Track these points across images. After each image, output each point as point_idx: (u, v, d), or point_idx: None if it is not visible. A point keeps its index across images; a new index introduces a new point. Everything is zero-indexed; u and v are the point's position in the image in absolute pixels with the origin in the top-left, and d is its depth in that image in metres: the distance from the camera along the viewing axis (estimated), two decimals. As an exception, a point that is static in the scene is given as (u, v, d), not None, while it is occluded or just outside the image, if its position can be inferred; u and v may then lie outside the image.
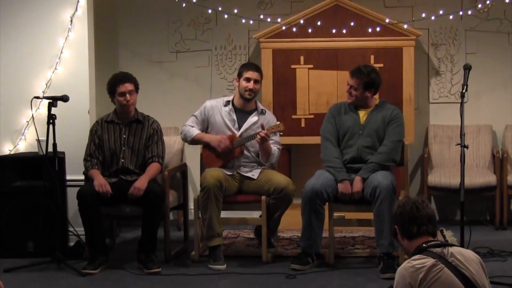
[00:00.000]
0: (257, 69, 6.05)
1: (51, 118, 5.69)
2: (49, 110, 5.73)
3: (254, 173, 5.97)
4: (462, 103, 5.30)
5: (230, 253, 6.10)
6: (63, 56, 6.46)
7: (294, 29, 6.93)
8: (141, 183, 5.73)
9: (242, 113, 6.05)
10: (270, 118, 6.07)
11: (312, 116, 6.94)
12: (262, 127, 5.82)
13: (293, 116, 7.00)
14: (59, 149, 5.79)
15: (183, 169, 6.50)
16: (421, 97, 7.35)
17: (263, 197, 5.84)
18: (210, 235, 5.78)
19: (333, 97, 6.87)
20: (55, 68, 6.46)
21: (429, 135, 7.31)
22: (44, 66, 6.48)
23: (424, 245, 3.30)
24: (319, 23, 6.86)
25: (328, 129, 5.92)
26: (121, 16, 7.54)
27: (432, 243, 3.31)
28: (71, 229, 6.21)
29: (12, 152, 6.50)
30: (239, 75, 6.02)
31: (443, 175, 6.91)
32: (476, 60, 7.13)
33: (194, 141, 6.09)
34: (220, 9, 7.01)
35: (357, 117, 5.88)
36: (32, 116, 6.31)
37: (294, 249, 6.18)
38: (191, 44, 7.52)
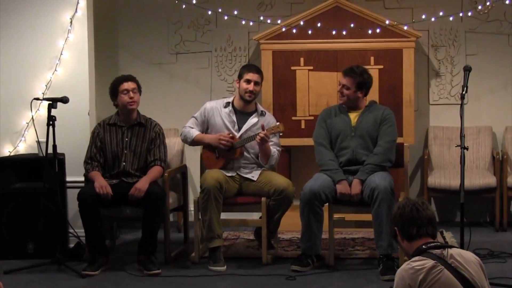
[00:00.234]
0: (258, 70, 6.05)
1: (51, 120, 5.70)
2: (49, 111, 5.73)
3: (254, 175, 5.97)
4: (462, 105, 5.30)
5: (230, 255, 6.10)
6: (63, 58, 6.46)
7: (294, 31, 6.93)
8: (142, 184, 5.74)
9: (242, 114, 6.06)
10: (270, 120, 6.07)
11: (312, 118, 6.94)
12: (263, 127, 5.82)
13: (293, 118, 7.00)
14: (59, 150, 5.79)
15: (183, 170, 6.51)
16: (421, 99, 7.35)
17: (263, 199, 5.84)
18: (210, 237, 5.78)
19: (333, 99, 6.87)
20: (55, 70, 6.46)
21: (429, 137, 7.31)
22: (44, 68, 6.48)
23: (423, 246, 3.30)
24: (319, 24, 6.86)
25: (320, 134, 5.93)
26: (121, 17, 7.54)
27: (431, 244, 3.31)
28: (71, 230, 6.21)
29: (12, 154, 6.49)
30: (240, 76, 6.03)
31: (443, 177, 6.91)
32: (476, 61, 7.13)
33: (194, 142, 6.09)
34: (220, 10, 7.02)
35: (348, 119, 5.89)
36: (32, 117, 6.32)
37: (294, 251, 6.18)
38: (191, 45, 7.52)
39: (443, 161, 7.23)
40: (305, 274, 5.57)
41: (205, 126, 6.10)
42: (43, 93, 6.42)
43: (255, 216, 6.35)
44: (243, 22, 7.02)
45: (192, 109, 6.40)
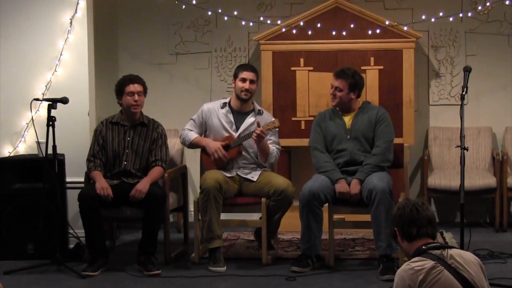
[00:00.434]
0: (253, 69, 6.05)
1: (50, 120, 5.70)
2: (49, 112, 5.73)
3: (254, 175, 5.97)
4: (462, 105, 5.30)
5: (230, 255, 6.10)
6: (63, 58, 6.46)
7: (294, 31, 6.93)
8: (143, 185, 5.73)
9: (239, 114, 6.06)
10: (267, 118, 6.07)
11: (312, 118, 6.90)
12: (258, 124, 5.82)
13: (293, 118, 7.00)
14: (58, 151, 5.79)
15: (183, 171, 6.51)
16: (421, 99, 7.35)
17: (263, 199, 5.84)
18: (210, 237, 5.78)
19: (333, 99, 6.87)
20: (55, 70, 6.46)
21: (429, 137, 7.31)
22: (43, 68, 6.47)
23: (423, 247, 3.30)
24: (319, 25, 6.86)
25: (315, 139, 5.94)
26: (121, 18, 7.54)
27: (431, 245, 3.31)
28: (71, 231, 6.21)
29: (12, 154, 6.49)
30: (235, 76, 6.04)
31: (443, 177, 6.91)
32: (476, 62, 7.13)
33: (192, 145, 6.11)
34: (220, 11, 7.01)
35: (342, 122, 5.89)
36: (32, 118, 6.32)
37: (294, 251, 6.18)
38: (191, 46, 7.52)
39: (443, 161, 7.23)
40: (305, 275, 5.57)
41: (204, 128, 6.10)
42: (43, 94, 6.42)
43: (255, 216, 6.35)
44: (243, 23, 7.02)
45: (192, 109, 6.40)
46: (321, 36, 6.92)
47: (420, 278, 3.16)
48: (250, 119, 6.04)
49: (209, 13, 7.06)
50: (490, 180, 6.86)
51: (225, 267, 5.74)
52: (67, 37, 6.45)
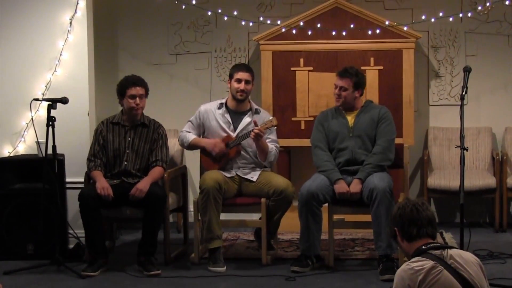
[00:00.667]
0: (248, 69, 6.05)
1: (50, 120, 5.70)
2: (49, 112, 5.73)
3: (254, 175, 5.97)
4: (462, 105, 5.31)
5: (230, 255, 6.10)
6: (63, 58, 6.46)
7: (294, 31, 6.93)
8: (143, 184, 5.73)
9: (236, 114, 6.06)
10: (265, 117, 6.07)
11: (311, 118, 6.93)
12: (255, 123, 5.82)
13: (293, 118, 7.00)
14: (58, 151, 5.79)
15: (182, 171, 6.51)
16: (421, 100, 7.35)
17: (263, 199, 5.85)
18: (209, 238, 5.79)
19: (332, 100, 6.79)
20: (55, 70, 6.46)
21: (429, 138, 7.31)
22: (43, 68, 6.47)
23: (423, 247, 3.30)
24: (318, 25, 6.86)
25: (317, 137, 5.94)
26: (120, 18, 7.54)
27: (431, 245, 3.31)
28: (70, 231, 6.21)
29: (11, 154, 6.49)
30: (230, 76, 6.04)
31: (443, 178, 6.91)
32: (476, 62, 7.13)
33: (190, 146, 6.11)
34: (219, 11, 7.01)
35: (345, 121, 5.90)
36: (32, 118, 6.32)
37: (294, 251, 6.18)
38: (191, 46, 7.52)
39: (443, 162, 7.23)
40: (305, 275, 5.57)
41: (201, 129, 6.11)
42: (43, 94, 6.42)
43: (254, 216, 6.35)
44: (243, 23, 7.02)
45: (192, 109, 6.40)
46: (321, 36, 6.92)
47: (420, 278, 3.16)
48: (247, 119, 6.04)
49: (209, 13, 7.06)
50: (490, 181, 6.86)
51: (224, 267, 5.74)
52: (67, 37, 6.45)
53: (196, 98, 7.33)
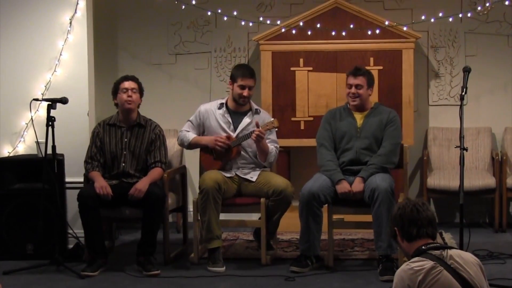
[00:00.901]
0: (252, 74, 6.01)
1: (50, 120, 5.70)
2: (48, 112, 5.73)
3: (253, 175, 5.97)
4: (461, 106, 5.30)
5: (229, 256, 6.10)
6: (62, 58, 6.46)
7: (294, 32, 6.93)
8: (142, 184, 5.73)
9: (236, 114, 6.06)
10: (265, 117, 6.06)
11: (311, 119, 6.94)
12: (257, 125, 5.82)
13: (293, 119, 7.00)
14: (58, 151, 5.79)
15: (182, 171, 6.51)
16: (420, 100, 7.35)
17: (262, 199, 5.85)
18: (209, 238, 5.78)
19: (332, 100, 6.87)
20: (54, 70, 6.46)
21: (429, 138, 7.31)
22: (43, 68, 6.47)
23: (423, 247, 3.30)
24: (318, 25, 6.86)
25: (323, 135, 5.94)
26: (120, 18, 7.54)
27: (431, 245, 3.31)
28: (70, 231, 6.21)
29: (11, 154, 6.49)
30: (233, 79, 6.00)
31: (443, 178, 6.91)
32: (475, 62, 7.13)
33: (191, 146, 6.10)
34: (219, 11, 7.01)
35: (353, 121, 5.90)
36: (31, 118, 6.32)
37: (293, 252, 6.18)
38: (191, 46, 7.52)
39: (442, 162, 7.23)
40: (304, 275, 5.57)
41: (201, 129, 6.10)
42: (43, 94, 6.42)
43: (254, 217, 6.35)
44: (243, 23, 7.02)
45: (191, 110, 6.39)
46: (321, 37, 6.92)
47: (420, 279, 3.16)
48: (247, 119, 6.04)
49: (209, 13, 7.05)
50: (489, 181, 6.86)
51: (224, 267, 5.74)
52: (67, 37, 6.45)
53: (195, 98, 7.33)
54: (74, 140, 6.35)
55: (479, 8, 7.04)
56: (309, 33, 6.89)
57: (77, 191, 5.82)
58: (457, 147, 5.29)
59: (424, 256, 3.25)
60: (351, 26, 6.85)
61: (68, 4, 6.46)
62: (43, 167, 5.77)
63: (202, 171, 6.10)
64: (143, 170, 5.95)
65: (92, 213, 5.70)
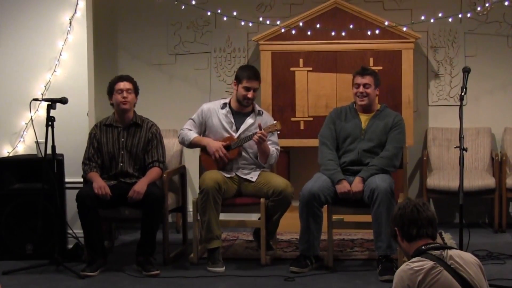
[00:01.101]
0: (257, 76, 6.01)
1: (50, 121, 5.70)
2: (48, 112, 5.73)
3: (253, 176, 5.97)
4: (461, 106, 5.30)
5: (229, 256, 6.10)
6: (62, 59, 6.46)
7: (293, 32, 6.93)
8: (141, 186, 5.73)
9: (239, 115, 6.05)
10: (267, 119, 6.07)
11: (311, 119, 6.94)
12: (260, 127, 5.82)
13: (292, 119, 7.00)
14: (58, 151, 5.79)
15: (182, 171, 6.50)
16: (420, 100, 7.35)
17: (262, 200, 5.85)
18: (209, 238, 5.78)
19: (332, 100, 6.87)
20: (54, 71, 6.46)
21: (428, 138, 7.31)
22: (43, 69, 6.47)
23: (423, 247, 3.30)
24: (318, 25, 6.86)
25: (325, 133, 5.93)
26: (120, 18, 7.54)
27: (431, 245, 3.31)
28: (69, 231, 6.22)
29: (11, 154, 6.49)
30: (238, 80, 6.00)
31: (442, 178, 6.91)
32: (475, 62, 7.13)
33: (191, 145, 6.10)
34: (219, 11, 7.01)
35: (358, 122, 5.89)
36: (31, 118, 6.32)
37: (293, 252, 6.18)
38: (190, 46, 7.51)
39: (442, 162, 7.23)
40: (304, 275, 5.57)
41: (203, 127, 6.10)
42: (42, 94, 6.42)
43: (254, 217, 6.35)
44: (242, 23, 7.02)
45: (191, 110, 6.40)
46: (321, 37, 6.92)
47: (419, 279, 3.16)
48: (250, 120, 6.04)
49: (209, 13, 7.05)
50: (489, 181, 6.86)
51: (224, 268, 5.74)
52: (67, 38, 6.45)
53: (195, 98, 7.32)
54: (73, 140, 6.35)
55: (478, 8, 7.04)
56: (309, 33, 6.89)
57: (77, 191, 5.82)
58: (456, 147, 5.29)
59: (424, 256, 3.25)
60: (351, 26, 6.85)
61: (68, 4, 6.46)
62: (43, 167, 5.77)
63: (202, 171, 6.10)
64: (141, 169, 5.95)
65: (91, 213, 5.70)
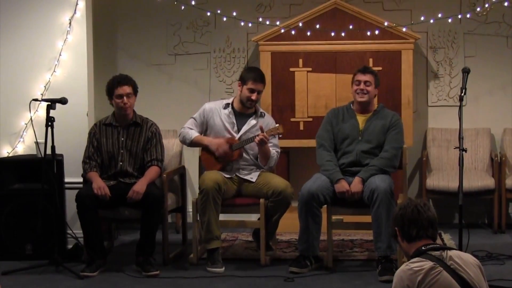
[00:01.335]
0: (263, 79, 6.01)
1: (49, 121, 5.70)
2: (48, 112, 5.73)
3: (253, 176, 5.97)
4: (460, 107, 5.30)
5: (229, 256, 6.10)
6: (62, 59, 6.46)
7: (293, 32, 6.93)
8: (140, 186, 5.73)
9: (241, 116, 6.05)
10: (269, 121, 6.07)
11: (310, 119, 6.94)
12: (261, 129, 5.82)
13: (292, 119, 7.00)
14: (57, 151, 5.78)
15: (181, 171, 6.50)
16: (419, 100, 7.35)
17: (262, 200, 5.85)
18: (208, 238, 5.78)
19: (331, 100, 6.87)
20: (54, 71, 6.46)
21: (428, 138, 7.31)
22: (42, 69, 6.47)
23: (423, 248, 3.30)
24: (318, 26, 6.86)
25: (323, 135, 5.94)
26: (120, 18, 7.53)
27: (431, 246, 3.31)
28: (69, 231, 6.22)
29: (10, 155, 6.49)
30: (243, 81, 5.99)
31: (442, 179, 6.91)
32: (474, 63, 7.13)
33: (192, 144, 6.09)
34: (218, 12, 7.01)
35: (356, 123, 5.89)
36: (31, 118, 6.32)
37: (292, 252, 6.18)
38: (190, 47, 7.51)
39: (441, 163, 7.23)
40: (303, 276, 5.57)
41: (204, 127, 6.10)
42: (42, 94, 6.42)
43: (253, 217, 6.34)
44: (242, 24, 7.02)
45: (191, 110, 6.40)
46: (320, 37, 6.92)
47: (419, 279, 3.16)
48: (252, 121, 6.03)
49: (208, 13, 7.05)
50: (488, 182, 6.86)
51: (223, 268, 5.74)
52: (66, 38, 6.45)
53: (195, 99, 7.33)
54: (73, 141, 6.35)
55: (478, 9, 7.04)
56: (309, 33, 6.89)
57: (76, 191, 5.82)
58: (456, 148, 5.29)
59: (423, 256, 3.25)
60: (351, 26, 6.85)
61: (67, 5, 6.46)
62: (42, 167, 5.77)
63: (201, 171, 6.10)
64: (141, 168, 5.95)
65: (90, 213, 5.70)
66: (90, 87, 6.50)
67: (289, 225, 6.43)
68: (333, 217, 5.81)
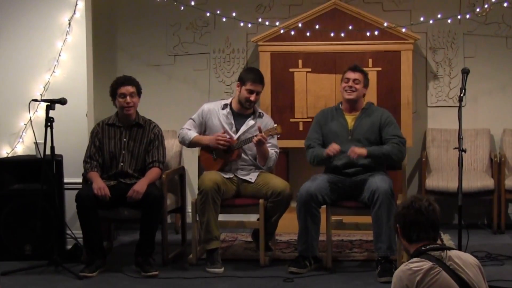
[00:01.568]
0: (262, 80, 6.01)
1: (49, 121, 5.69)
2: (47, 113, 5.73)
3: (252, 177, 5.97)
4: (460, 107, 5.30)
5: (228, 257, 6.10)
6: (61, 59, 6.46)
7: (293, 33, 6.93)
8: (140, 186, 5.73)
9: (240, 116, 6.05)
10: (267, 121, 6.07)
11: (310, 120, 6.91)
12: (260, 130, 5.82)
13: (291, 120, 7.00)
14: (57, 152, 5.78)
15: (181, 172, 6.50)
16: (419, 101, 7.35)
17: (261, 201, 5.85)
18: (207, 239, 5.78)
19: (331, 101, 6.87)
20: (53, 71, 6.46)
21: (427, 139, 7.31)
22: (42, 69, 6.47)
23: (423, 248, 3.30)
24: (317, 26, 6.86)
25: (313, 137, 5.95)
26: (119, 19, 7.54)
27: (430, 246, 3.30)
28: (68, 232, 6.22)
29: (10, 155, 6.49)
30: (242, 81, 5.99)
31: (441, 179, 6.91)
32: (474, 64, 7.13)
33: (192, 144, 6.09)
34: (218, 12, 7.00)
35: (345, 122, 5.89)
36: (30, 119, 6.32)
37: (291, 253, 6.18)
38: (189, 47, 7.51)
39: (441, 163, 7.23)
40: (303, 276, 5.57)
41: (203, 128, 6.10)
42: (41, 95, 6.42)
43: (252, 218, 6.34)
44: (242, 24, 7.02)
45: (190, 110, 6.40)
46: (320, 38, 6.92)
47: (418, 279, 3.16)
48: (250, 122, 6.03)
49: (208, 14, 7.05)
50: (488, 182, 6.86)
51: (222, 268, 5.74)
52: (66, 38, 6.46)
53: (194, 99, 7.33)
54: (72, 141, 6.35)
55: (477, 9, 7.04)
56: (308, 34, 6.89)
57: (76, 191, 5.82)
58: (455, 148, 5.29)
59: (423, 256, 3.25)
60: (350, 27, 6.85)
61: (67, 5, 6.46)
62: (42, 167, 5.77)
63: (201, 171, 6.10)
64: (141, 170, 5.95)
65: (90, 214, 5.70)
66: (89, 87, 6.50)
67: (288, 226, 6.43)
68: (332, 218, 5.80)
